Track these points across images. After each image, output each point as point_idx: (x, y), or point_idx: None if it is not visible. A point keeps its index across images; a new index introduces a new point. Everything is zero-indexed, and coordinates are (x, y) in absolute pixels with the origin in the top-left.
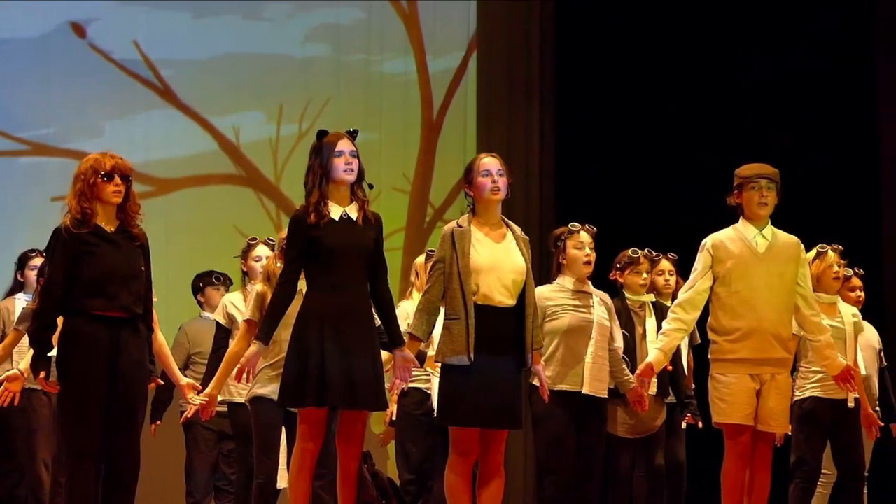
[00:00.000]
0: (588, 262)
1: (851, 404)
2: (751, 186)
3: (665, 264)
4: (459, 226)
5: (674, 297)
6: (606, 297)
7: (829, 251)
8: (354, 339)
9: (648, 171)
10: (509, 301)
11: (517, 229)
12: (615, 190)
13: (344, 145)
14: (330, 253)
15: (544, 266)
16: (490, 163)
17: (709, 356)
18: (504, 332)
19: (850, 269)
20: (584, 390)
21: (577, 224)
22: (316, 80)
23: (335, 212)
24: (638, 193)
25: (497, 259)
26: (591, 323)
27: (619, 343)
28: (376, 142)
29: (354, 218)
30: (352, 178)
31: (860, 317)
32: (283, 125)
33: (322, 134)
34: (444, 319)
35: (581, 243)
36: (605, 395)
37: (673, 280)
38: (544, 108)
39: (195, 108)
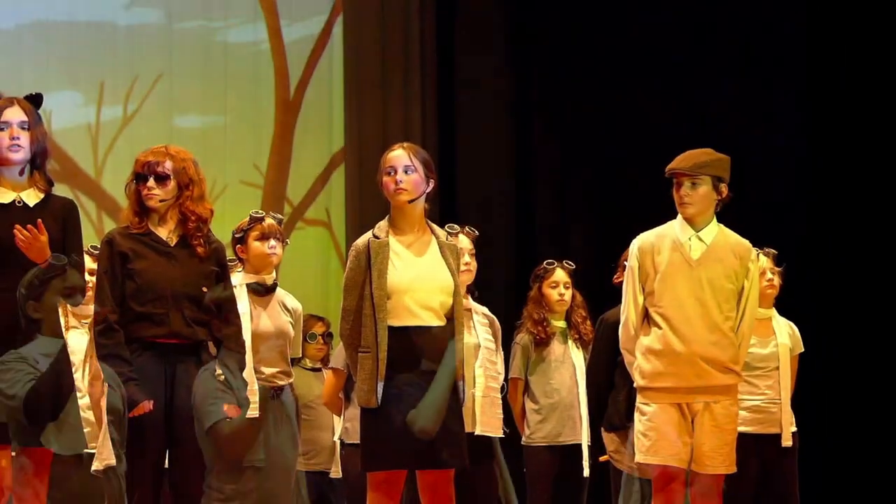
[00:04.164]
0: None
1: (788, 442)
2: (676, 182)
3: (560, 274)
4: (376, 237)
5: (567, 315)
6: (488, 313)
7: (761, 255)
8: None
9: (547, 154)
10: (437, 321)
11: (442, 234)
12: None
13: (11, 115)
14: None
15: None
16: (395, 157)
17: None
18: (434, 353)
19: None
20: (477, 430)
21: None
22: (144, 53)
23: (5, 197)
24: (535, 179)
25: (420, 277)
26: (471, 346)
27: (501, 371)
28: (220, 126)
29: (31, 205)
30: (18, 156)
31: (797, 331)
32: (105, 108)
33: None
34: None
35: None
36: (500, 433)
37: (568, 294)
38: (425, 82)
39: None
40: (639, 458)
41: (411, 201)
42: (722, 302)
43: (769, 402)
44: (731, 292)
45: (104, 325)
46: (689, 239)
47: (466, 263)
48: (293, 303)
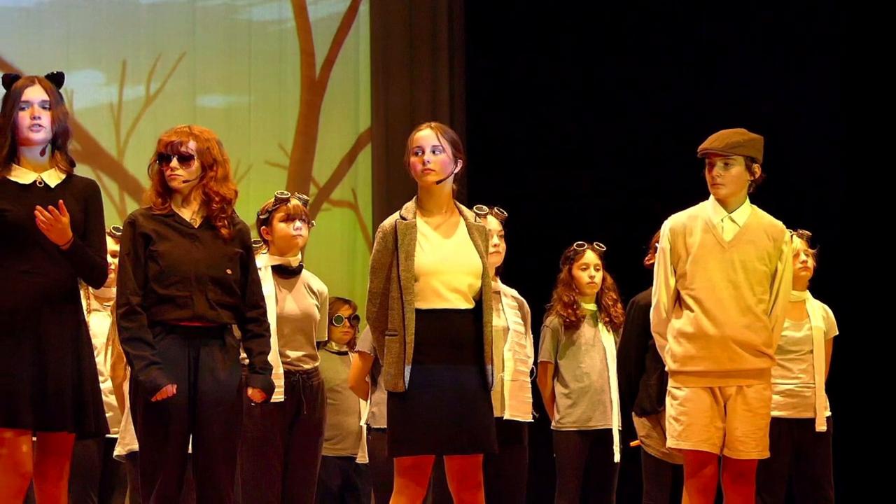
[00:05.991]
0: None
1: (822, 427)
2: (708, 163)
3: (590, 256)
4: (403, 218)
5: (598, 297)
6: (518, 295)
7: (794, 237)
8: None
9: (574, 134)
10: (465, 304)
11: (470, 215)
12: (534, 155)
13: (32, 94)
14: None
15: None
16: (423, 137)
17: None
18: (461, 336)
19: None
20: (506, 415)
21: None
22: (167, 31)
23: (26, 177)
24: (561, 160)
25: (448, 259)
26: (500, 329)
27: (531, 354)
28: (244, 106)
29: (53, 186)
30: (39, 136)
31: (831, 313)
32: (127, 87)
33: (9, 79)
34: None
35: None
36: (529, 418)
37: (599, 276)
38: (453, 61)
39: (17, 66)
40: (670, 443)
41: (439, 182)
42: (755, 284)
43: (803, 387)
44: (765, 274)
45: (127, 307)
46: (722, 220)
47: (495, 245)
48: (319, 285)
